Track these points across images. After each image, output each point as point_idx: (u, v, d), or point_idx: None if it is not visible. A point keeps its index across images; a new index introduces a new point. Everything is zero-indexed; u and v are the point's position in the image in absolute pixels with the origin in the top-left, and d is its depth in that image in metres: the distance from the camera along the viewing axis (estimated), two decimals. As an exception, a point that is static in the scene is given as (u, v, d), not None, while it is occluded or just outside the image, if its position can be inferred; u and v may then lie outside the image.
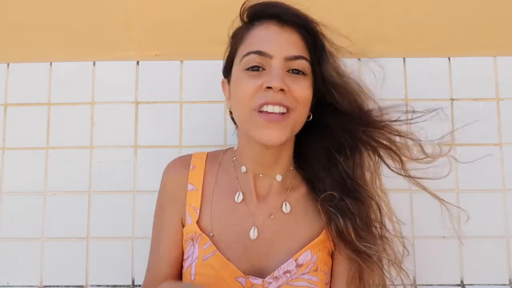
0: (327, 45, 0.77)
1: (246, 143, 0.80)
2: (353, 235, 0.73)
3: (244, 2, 0.77)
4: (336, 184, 0.77)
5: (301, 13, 0.75)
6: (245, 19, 0.78)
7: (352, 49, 0.88)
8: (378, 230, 0.76)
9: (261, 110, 0.70)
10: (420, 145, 0.79)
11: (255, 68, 0.72)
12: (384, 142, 0.77)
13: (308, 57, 0.74)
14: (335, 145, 0.78)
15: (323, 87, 0.76)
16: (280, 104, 0.69)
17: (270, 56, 0.71)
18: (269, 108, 0.69)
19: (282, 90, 0.69)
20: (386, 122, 0.77)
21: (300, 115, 0.73)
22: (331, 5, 1.05)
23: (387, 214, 0.79)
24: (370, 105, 0.79)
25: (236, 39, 0.79)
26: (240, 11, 0.77)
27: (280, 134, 0.70)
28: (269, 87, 0.69)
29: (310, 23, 0.75)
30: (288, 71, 0.72)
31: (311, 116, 0.77)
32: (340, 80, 0.76)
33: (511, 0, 1.06)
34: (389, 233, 0.78)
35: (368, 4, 1.06)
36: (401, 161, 0.78)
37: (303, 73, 0.73)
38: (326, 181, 0.78)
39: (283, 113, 0.70)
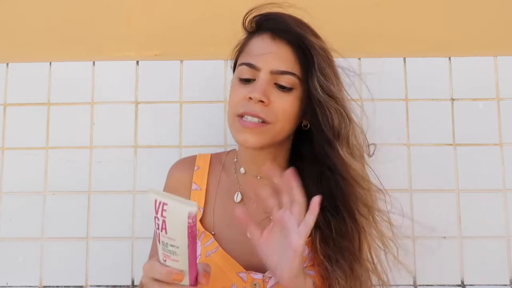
0: (319, 61, 0.76)
1: (241, 146, 0.83)
2: (318, 247, 0.75)
3: (247, 13, 0.81)
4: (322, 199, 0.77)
5: (295, 28, 0.76)
6: (246, 28, 0.82)
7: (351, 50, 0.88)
8: (356, 256, 0.75)
9: (242, 117, 0.74)
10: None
11: (246, 80, 0.76)
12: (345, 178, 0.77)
13: (297, 72, 0.75)
14: (327, 162, 0.78)
15: (308, 102, 0.77)
16: (257, 116, 0.73)
17: (258, 69, 0.75)
18: (248, 118, 0.74)
19: (261, 101, 0.73)
20: (354, 169, 0.76)
21: (282, 129, 0.76)
22: (331, 5, 1.05)
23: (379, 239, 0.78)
24: (355, 133, 0.79)
25: (240, 46, 0.83)
26: (243, 21, 0.81)
27: (256, 139, 0.74)
28: (250, 98, 0.73)
29: (303, 39, 0.75)
30: (275, 83, 0.75)
31: (308, 125, 0.79)
32: (325, 100, 0.75)
33: (511, 0, 1.06)
34: (372, 264, 0.77)
35: (368, 4, 1.06)
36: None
37: (289, 88, 0.75)
38: (313, 193, 0.77)
39: (260, 122, 0.74)
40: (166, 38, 1.07)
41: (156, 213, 0.59)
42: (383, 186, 0.83)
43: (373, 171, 0.83)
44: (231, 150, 0.90)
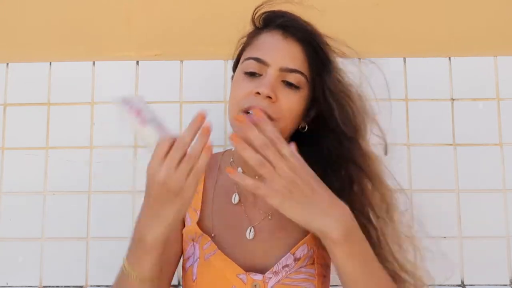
0: (333, 57, 0.77)
1: None
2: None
3: (256, 8, 0.80)
4: None
5: (306, 27, 0.77)
6: (255, 24, 0.81)
7: (354, 51, 0.89)
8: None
9: (247, 112, 0.72)
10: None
11: (252, 75, 0.74)
12: (359, 185, 0.75)
13: (305, 72, 0.74)
14: (330, 164, 0.77)
15: (323, 100, 0.76)
16: (263, 111, 0.71)
17: (267, 64, 0.73)
18: (253, 113, 0.71)
19: (269, 97, 0.71)
20: (368, 161, 0.75)
21: (284, 128, 0.74)
22: (332, 5, 1.05)
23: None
24: (369, 127, 0.78)
25: (245, 41, 0.82)
26: (252, 16, 0.80)
27: None
28: (258, 93, 0.71)
29: (314, 37, 0.76)
30: (283, 81, 0.74)
31: (306, 127, 0.79)
32: (342, 93, 0.76)
33: (511, 0, 1.06)
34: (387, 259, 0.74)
35: (368, 4, 1.06)
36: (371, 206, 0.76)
37: (296, 87, 0.74)
38: None
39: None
40: (166, 38, 1.07)
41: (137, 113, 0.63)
42: (400, 186, 0.81)
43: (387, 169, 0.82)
44: (226, 150, 0.89)
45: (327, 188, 0.64)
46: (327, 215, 0.61)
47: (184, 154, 0.59)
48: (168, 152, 0.60)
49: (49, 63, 1.07)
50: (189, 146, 0.60)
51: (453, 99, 1.04)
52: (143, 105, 0.64)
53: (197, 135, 0.61)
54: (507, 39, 1.05)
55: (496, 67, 1.04)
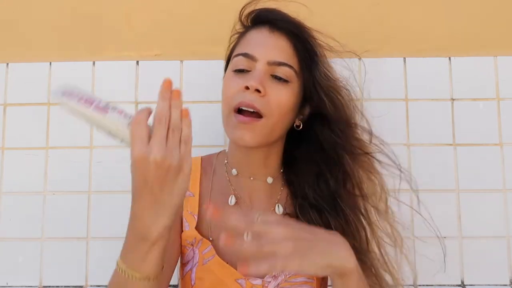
0: (320, 51, 0.77)
1: (233, 145, 0.81)
2: None
3: (243, 8, 0.81)
4: (319, 201, 0.76)
5: (294, 20, 0.77)
6: (243, 23, 0.81)
7: (351, 50, 0.89)
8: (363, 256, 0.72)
9: (237, 111, 0.72)
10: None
11: (241, 71, 0.74)
12: (354, 171, 0.76)
13: (294, 65, 0.74)
14: (325, 161, 0.77)
15: (314, 93, 0.76)
16: (252, 106, 0.71)
17: (255, 59, 0.73)
18: (243, 109, 0.72)
19: (258, 91, 0.70)
20: (364, 152, 0.77)
21: (276, 124, 0.73)
22: (332, 5, 1.05)
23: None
24: (357, 118, 0.80)
25: (234, 41, 0.82)
26: (239, 16, 0.81)
27: (252, 136, 0.71)
28: (247, 87, 0.71)
29: (301, 30, 0.76)
30: (272, 75, 0.73)
31: (301, 125, 0.79)
32: (332, 85, 0.76)
33: (511, 0, 1.06)
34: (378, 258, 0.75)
35: (368, 4, 1.06)
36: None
37: (286, 80, 0.73)
38: (309, 195, 0.77)
39: (253, 113, 0.71)
40: (166, 38, 1.07)
41: (89, 103, 0.53)
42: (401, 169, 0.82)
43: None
44: (220, 152, 0.88)
45: (320, 229, 0.61)
46: (338, 249, 0.57)
47: (168, 128, 0.55)
48: (148, 131, 0.54)
49: (49, 63, 1.07)
50: (170, 117, 0.55)
51: (453, 99, 1.04)
52: (88, 93, 0.55)
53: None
54: (507, 39, 1.05)
55: (496, 67, 1.04)
